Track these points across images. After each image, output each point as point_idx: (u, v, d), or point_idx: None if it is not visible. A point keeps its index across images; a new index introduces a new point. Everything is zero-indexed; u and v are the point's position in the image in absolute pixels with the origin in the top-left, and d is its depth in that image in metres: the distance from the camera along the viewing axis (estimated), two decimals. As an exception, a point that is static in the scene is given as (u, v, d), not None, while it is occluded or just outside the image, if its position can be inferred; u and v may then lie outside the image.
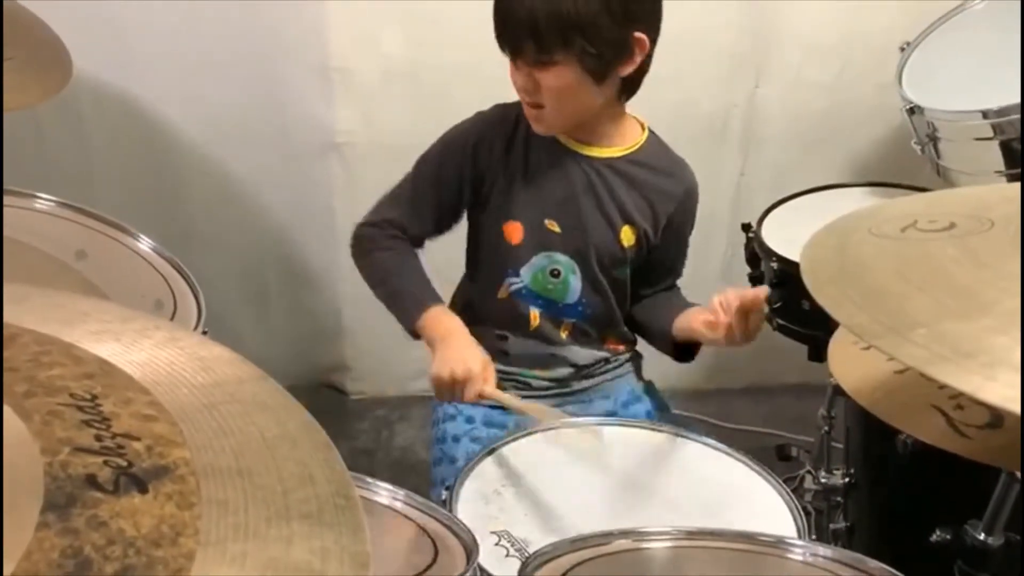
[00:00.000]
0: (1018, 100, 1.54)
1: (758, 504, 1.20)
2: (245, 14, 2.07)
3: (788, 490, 1.21)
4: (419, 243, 1.51)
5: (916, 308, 0.70)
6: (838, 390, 1.43)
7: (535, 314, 1.48)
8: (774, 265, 1.75)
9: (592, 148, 1.43)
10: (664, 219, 1.48)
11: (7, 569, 0.39)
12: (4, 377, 0.50)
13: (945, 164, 1.77)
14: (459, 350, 1.34)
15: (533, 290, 1.46)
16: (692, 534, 0.99)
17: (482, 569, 1.00)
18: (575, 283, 1.46)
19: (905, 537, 1.36)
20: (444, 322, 1.39)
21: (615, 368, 1.57)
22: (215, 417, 0.53)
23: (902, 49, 1.88)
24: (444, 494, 1.16)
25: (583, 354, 1.52)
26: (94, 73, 2.05)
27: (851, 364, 1.17)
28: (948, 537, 1.11)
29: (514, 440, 1.29)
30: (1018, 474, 1.00)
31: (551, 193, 1.43)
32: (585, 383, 1.55)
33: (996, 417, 0.98)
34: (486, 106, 1.48)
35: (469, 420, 1.49)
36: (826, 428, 1.66)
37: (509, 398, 1.38)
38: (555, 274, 1.45)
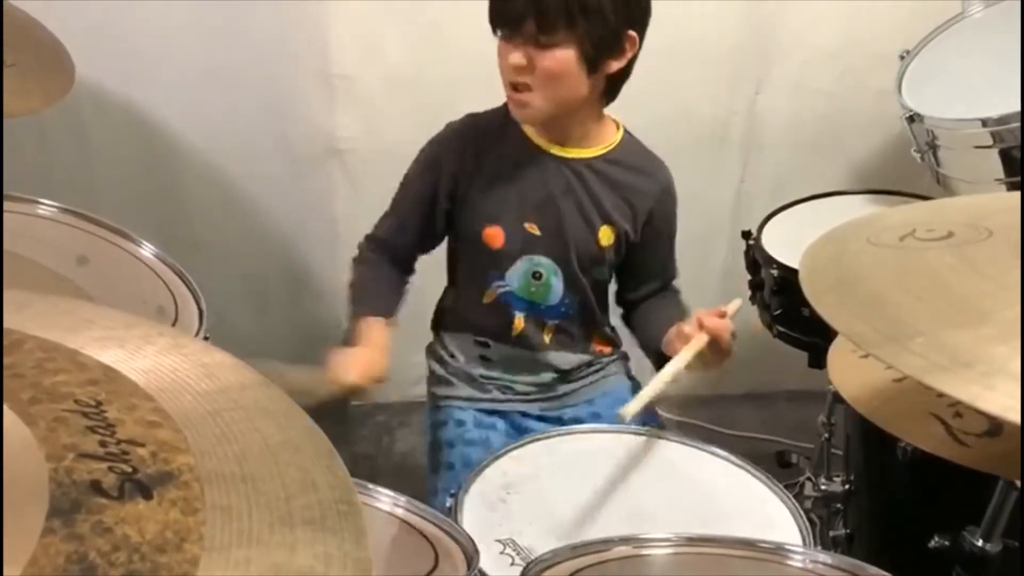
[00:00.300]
0: (1018, 108, 1.55)
1: (761, 511, 1.20)
2: (248, 21, 2.08)
3: (791, 497, 1.21)
4: (408, 257, 1.55)
5: (915, 317, 0.70)
6: (838, 397, 1.43)
7: (519, 319, 1.49)
8: (774, 272, 1.75)
9: (568, 149, 1.44)
10: (643, 216, 1.48)
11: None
12: (9, 383, 0.51)
13: (945, 172, 1.77)
14: (349, 355, 1.40)
15: (518, 293, 1.47)
16: (692, 540, 0.99)
17: None
18: (557, 284, 1.47)
19: (904, 543, 1.36)
20: (364, 329, 1.43)
21: (600, 370, 1.58)
22: (218, 423, 0.53)
23: (902, 57, 1.88)
24: (449, 501, 1.16)
25: (567, 358, 1.53)
26: (97, 79, 2.05)
27: (850, 372, 1.18)
28: (947, 543, 1.11)
29: (518, 448, 1.29)
30: (1016, 482, 1.01)
31: (529, 196, 1.44)
32: (571, 386, 1.56)
33: (995, 425, 0.99)
34: (487, 113, 1.49)
35: (460, 423, 1.51)
36: (826, 435, 1.66)
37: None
38: (537, 276, 1.46)
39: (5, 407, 0.49)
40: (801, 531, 1.14)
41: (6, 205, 1.40)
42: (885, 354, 0.67)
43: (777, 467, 2.00)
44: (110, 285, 1.37)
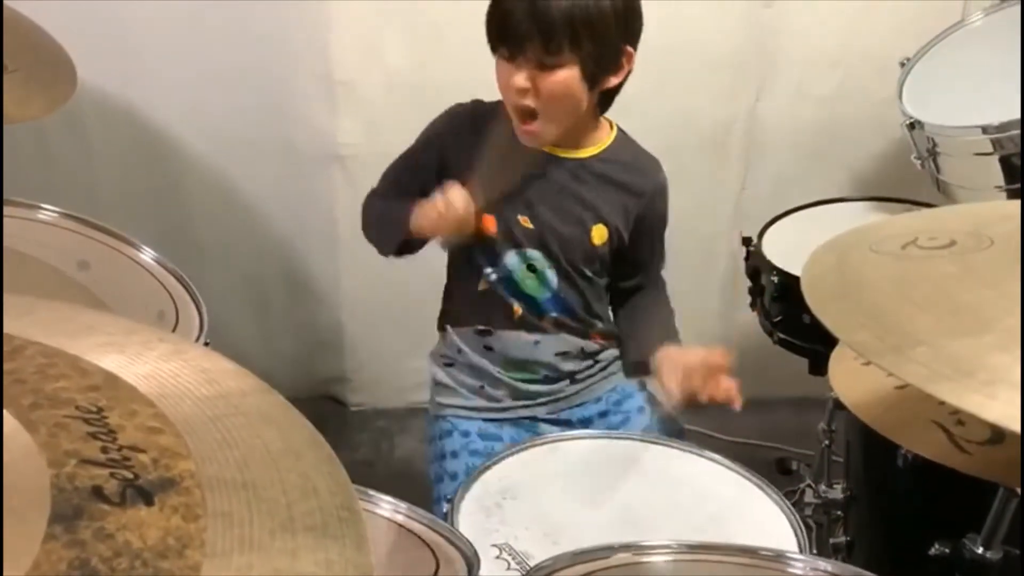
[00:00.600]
0: (1018, 116, 1.55)
1: (759, 518, 1.20)
2: (249, 26, 2.08)
3: (789, 504, 1.21)
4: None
5: (917, 326, 0.70)
6: (838, 404, 1.43)
7: (517, 307, 1.49)
8: (775, 279, 1.75)
9: (564, 150, 1.45)
10: (634, 214, 1.48)
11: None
12: (11, 389, 0.51)
13: (945, 179, 1.77)
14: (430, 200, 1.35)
15: (513, 284, 1.47)
16: (693, 548, 0.99)
17: (483, 582, 1.00)
18: (552, 277, 1.47)
19: (904, 551, 1.36)
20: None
21: (605, 368, 1.58)
22: (219, 429, 0.53)
23: (902, 64, 1.89)
24: (445, 507, 1.16)
25: (569, 342, 1.52)
26: (98, 85, 2.05)
27: (852, 379, 1.17)
28: (947, 551, 1.11)
29: (515, 453, 1.29)
30: (1017, 489, 1.00)
31: (524, 191, 1.44)
32: (577, 387, 1.56)
33: (997, 433, 0.99)
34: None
35: (465, 434, 1.50)
36: (826, 442, 1.67)
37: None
38: (532, 269, 1.47)
39: (6, 413, 0.49)
40: (798, 537, 1.14)
41: (6, 210, 1.40)
42: (887, 362, 0.67)
43: (777, 474, 2.01)
44: (111, 290, 1.37)
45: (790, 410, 2.43)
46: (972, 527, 1.05)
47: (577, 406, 1.56)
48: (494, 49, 1.33)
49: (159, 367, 0.57)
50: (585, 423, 1.53)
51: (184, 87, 2.13)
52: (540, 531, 1.14)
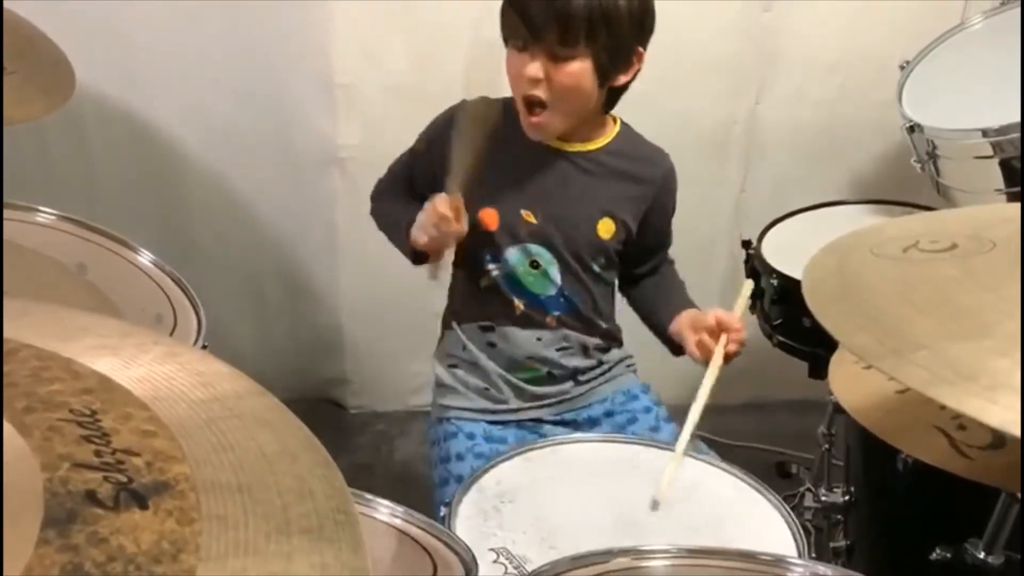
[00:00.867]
0: (1018, 119, 1.55)
1: (758, 522, 1.19)
2: (249, 29, 2.08)
3: (788, 508, 1.20)
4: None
5: (918, 329, 0.70)
6: (838, 407, 1.43)
7: (519, 303, 1.48)
8: (774, 282, 1.75)
9: (570, 144, 1.45)
10: (645, 205, 1.49)
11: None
12: (4, 392, 0.50)
13: (945, 182, 1.77)
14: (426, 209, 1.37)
15: (515, 280, 1.47)
16: (692, 552, 0.98)
17: (481, 586, 0.99)
18: (555, 274, 1.47)
19: (905, 556, 1.36)
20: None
21: (609, 370, 1.58)
22: (214, 432, 0.53)
23: (902, 67, 1.89)
24: (443, 510, 1.16)
25: (571, 361, 1.52)
26: (97, 86, 2.05)
27: (852, 383, 1.17)
28: (948, 556, 1.10)
29: (513, 457, 1.29)
30: (1019, 494, 1.00)
31: (528, 185, 1.44)
32: (582, 388, 1.55)
33: (998, 438, 0.98)
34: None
35: (470, 436, 1.49)
36: (826, 445, 1.66)
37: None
38: (535, 265, 1.46)
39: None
40: (797, 541, 1.14)
41: (5, 213, 1.40)
42: (888, 366, 0.67)
43: (777, 477, 2.00)
44: (109, 293, 1.37)
45: (790, 413, 2.44)
46: (973, 532, 1.04)
47: (583, 407, 1.55)
48: (507, 38, 1.34)
49: (153, 370, 0.57)
50: (591, 423, 1.53)
51: (183, 89, 2.13)
52: (538, 535, 1.14)
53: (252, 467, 0.51)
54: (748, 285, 1.53)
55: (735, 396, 2.54)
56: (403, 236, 1.44)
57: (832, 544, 1.56)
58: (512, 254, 1.45)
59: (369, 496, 0.99)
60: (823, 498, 1.56)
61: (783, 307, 1.76)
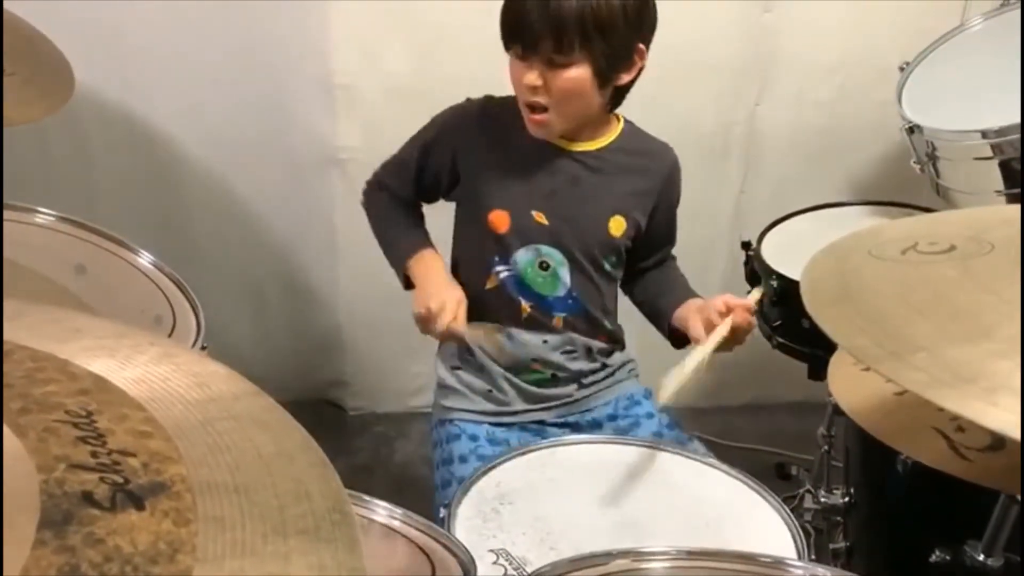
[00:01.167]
0: (1018, 120, 1.55)
1: (757, 524, 1.19)
2: (249, 30, 2.08)
3: (787, 510, 1.20)
4: (416, 204, 1.57)
5: (917, 331, 0.69)
6: (838, 409, 1.42)
7: (525, 305, 1.48)
8: (774, 283, 1.75)
9: (577, 144, 1.45)
10: (653, 199, 1.50)
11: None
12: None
13: (945, 183, 1.77)
14: (436, 286, 1.41)
15: (523, 281, 1.47)
16: (692, 554, 0.98)
17: (480, 587, 0.99)
18: (564, 276, 1.47)
19: (905, 557, 1.36)
20: (425, 263, 1.47)
21: (612, 374, 1.58)
22: (211, 433, 0.53)
23: (902, 69, 1.89)
24: (442, 512, 1.16)
25: (575, 364, 1.53)
26: (97, 88, 2.05)
27: (851, 384, 1.17)
28: (948, 558, 1.10)
29: (513, 458, 1.29)
30: (1018, 496, 1.00)
31: (538, 186, 1.44)
32: (585, 391, 1.55)
33: (997, 440, 0.98)
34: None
35: (473, 438, 1.49)
36: (826, 447, 1.66)
37: (476, 335, 1.46)
38: (544, 267, 1.46)
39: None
40: (796, 543, 1.14)
41: (4, 214, 1.40)
42: (887, 369, 0.66)
43: (777, 479, 2.00)
44: (108, 294, 1.37)
45: (789, 415, 2.44)
46: (973, 534, 1.04)
47: (587, 410, 1.55)
48: (507, 46, 1.34)
49: (149, 371, 0.57)
50: (594, 427, 1.53)
51: (183, 90, 2.13)
52: (537, 536, 1.14)
53: (249, 468, 0.50)
54: (759, 291, 1.57)
55: (735, 397, 2.54)
56: (398, 259, 1.48)
57: (832, 545, 1.55)
58: (522, 255, 1.45)
59: (368, 498, 0.99)
60: (822, 499, 1.56)
61: (782, 308, 1.76)
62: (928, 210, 1.85)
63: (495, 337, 1.47)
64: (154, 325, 1.34)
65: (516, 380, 1.51)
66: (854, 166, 2.38)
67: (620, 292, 1.61)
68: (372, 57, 2.13)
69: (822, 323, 0.74)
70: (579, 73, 1.31)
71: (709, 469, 1.30)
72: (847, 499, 1.52)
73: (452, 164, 1.47)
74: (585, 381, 1.55)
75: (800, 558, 1.10)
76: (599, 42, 1.29)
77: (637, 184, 1.48)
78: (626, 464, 1.30)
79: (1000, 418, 0.59)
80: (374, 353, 2.46)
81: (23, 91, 1.34)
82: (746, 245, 1.91)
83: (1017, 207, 0.89)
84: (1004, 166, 1.61)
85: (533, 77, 1.32)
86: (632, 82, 1.39)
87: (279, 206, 2.30)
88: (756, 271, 1.83)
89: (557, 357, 1.51)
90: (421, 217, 1.58)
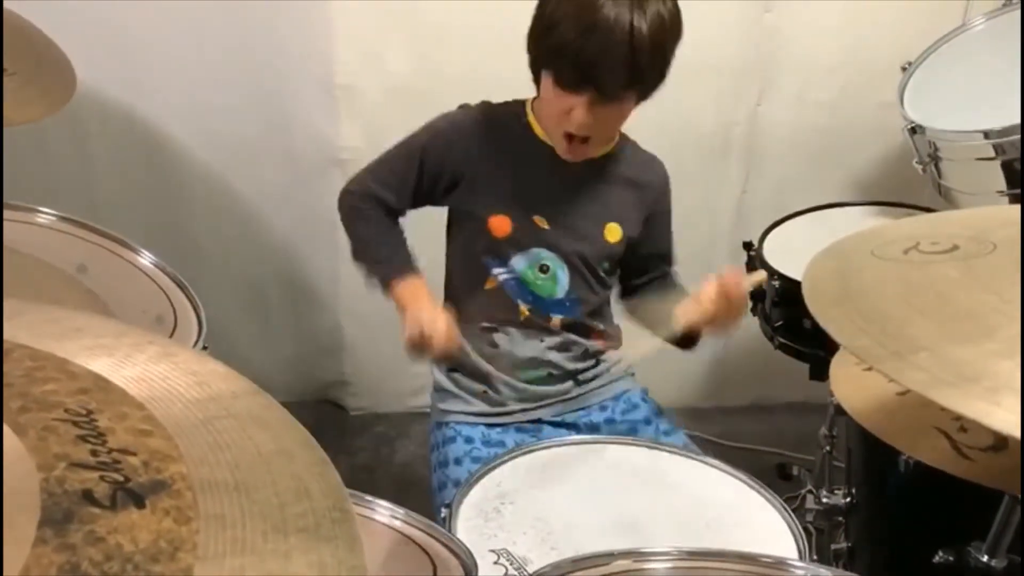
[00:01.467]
0: (1019, 120, 1.55)
1: (759, 524, 1.19)
2: (251, 31, 2.08)
3: (789, 510, 1.20)
4: (400, 212, 1.53)
5: (919, 331, 0.69)
6: (839, 409, 1.42)
7: (524, 308, 1.48)
8: (775, 283, 1.75)
9: None
10: (647, 210, 1.51)
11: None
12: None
13: (946, 184, 1.77)
14: (427, 311, 1.38)
15: (522, 283, 1.47)
16: (693, 554, 0.98)
17: (481, 587, 0.99)
18: (563, 278, 1.47)
19: (907, 558, 1.35)
20: (413, 287, 1.44)
21: (608, 372, 1.57)
22: (211, 432, 0.53)
23: (904, 69, 1.88)
24: (444, 512, 1.16)
25: (572, 364, 1.53)
26: (99, 89, 2.05)
27: (853, 385, 1.17)
28: (951, 559, 1.10)
29: (514, 458, 1.29)
30: (1021, 497, 1.00)
31: (539, 192, 1.45)
32: (581, 389, 1.55)
33: (1000, 439, 0.98)
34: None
35: (468, 440, 1.49)
36: (827, 447, 1.66)
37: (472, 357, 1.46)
38: (544, 269, 1.46)
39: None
40: (798, 543, 1.13)
41: (5, 213, 1.40)
42: (889, 368, 0.66)
43: (778, 479, 1.99)
44: (109, 294, 1.37)
45: (791, 415, 2.43)
46: (976, 535, 1.04)
47: (582, 409, 1.55)
48: (558, 81, 1.31)
49: (149, 369, 0.57)
50: (592, 430, 1.53)
51: (184, 90, 2.13)
52: (539, 537, 1.13)
53: (248, 466, 0.50)
54: (762, 273, 1.58)
55: (737, 398, 2.54)
56: (383, 277, 1.45)
57: (833, 546, 1.55)
58: (522, 259, 1.46)
59: (369, 497, 0.99)
60: (824, 500, 1.56)
61: (784, 309, 1.76)
62: (930, 210, 1.85)
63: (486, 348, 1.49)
64: (155, 325, 1.34)
65: (511, 380, 1.51)
66: (855, 166, 2.38)
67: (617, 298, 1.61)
68: (373, 57, 2.13)
69: (824, 323, 0.74)
70: (630, 105, 1.34)
71: (710, 469, 1.30)
72: (849, 499, 1.51)
73: (450, 172, 1.46)
74: (581, 378, 1.55)
75: (801, 559, 1.10)
76: (657, 69, 1.31)
77: (632, 194, 1.49)
78: (627, 464, 1.30)
79: (1003, 418, 0.59)
80: (375, 353, 2.46)
81: (24, 90, 1.34)
82: (747, 245, 1.91)
83: (1018, 207, 0.89)
84: (1006, 166, 1.61)
85: (585, 115, 1.30)
86: None
87: (280, 206, 2.30)
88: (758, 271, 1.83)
89: (554, 356, 1.51)
90: (403, 234, 1.53)
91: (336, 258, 2.33)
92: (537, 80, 1.37)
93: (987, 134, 1.61)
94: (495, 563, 1.08)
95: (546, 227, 1.44)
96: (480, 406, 1.53)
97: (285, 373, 2.44)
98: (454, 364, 1.55)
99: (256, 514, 0.47)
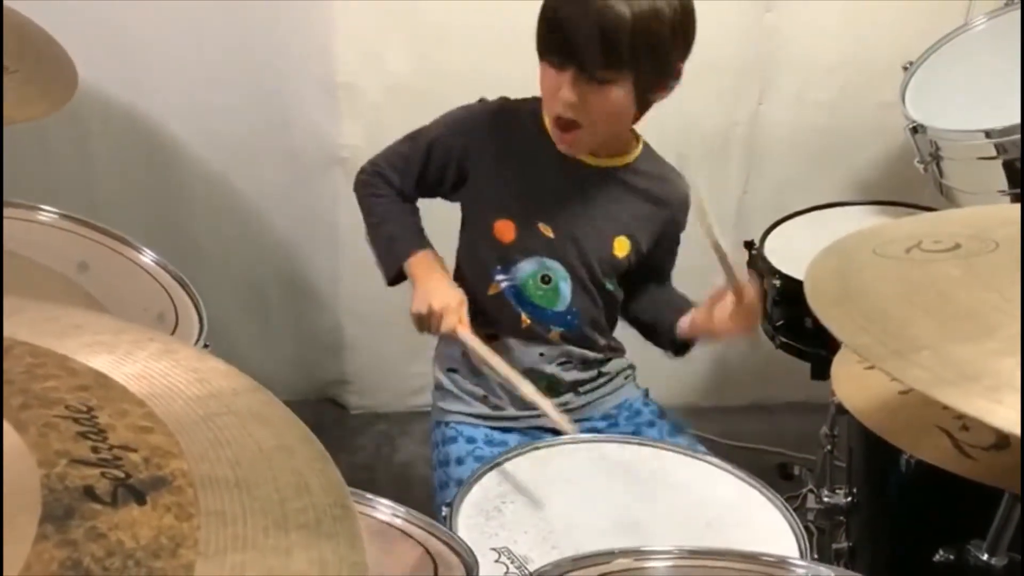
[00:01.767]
0: (1020, 120, 1.55)
1: (760, 523, 1.19)
2: (251, 31, 2.08)
3: (790, 510, 1.20)
4: (413, 199, 1.52)
5: (921, 330, 0.69)
6: (841, 408, 1.42)
7: (525, 317, 1.46)
8: (777, 283, 1.75)
9: (597, 159, 1.42)
10: (659, 224, 1.48)
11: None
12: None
13: (948, 183, 1.77)
14: (438, 285, 1.38)
15: (523, 293, 1.45)
16: (694, 553, 0.98)
17: (482, 586, 0.99)
18: (566, 290, 1.45)
19: (908, 557, 1.35)
20: (427, 262, 1.43)
21: (610, 381, 1.56)
22: (211, 428, 0.53)
23: (905, 68, 1.88)
24: (444, 510, 1.16)
25: (570, 375, 1.51)
26: (99, 86, 2.05)
27: (855, 384, 1.17)
28: (951, 557, 1.10)
29: (515, 456, 1.29)
30: (1022, 495, 1.00)
31: (546, 197, 1.42)
32: (584, 399, 1.54)
33: (1002, 438, 0.98)
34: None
35: (470, 440, 1.48)
36: (828, 447, 1.66)
37: (479, 343, 1.39)
38: (546, 280, 1.44)
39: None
40: (799, 542, 1.13)
41: (6, 211, 1.40)
42: (891, 367, 0.66)
43: (779, 479, 2.00)
44: (111, 292, 1.37)
45: (792, 414, 2.43)
46: (977, 533, 1.04)
47: (586, 418, 1.53)
48: (542, 54, 1.28)
49: (149, 366, 0.57)
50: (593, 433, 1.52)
51: (185, 88, 2.13)
52: (540, 535, 1.13)
53: (249, 462, 0.50)
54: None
55: (738, 397, 2.54)
56: (395, 255, 1.44)
57: (834, 545, 1.55)
58: (524, 267, 1.43)
59: (370, 496, 0.99)
60: (825, 499, 1.56)
61: (785, 308, 1.75)
62: (931, 210, 1.84)
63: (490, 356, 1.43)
64: (157, 323, 1.34)
65: (509, 388, 1.50)
66: (856, 166, 2.38)
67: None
68: (374, 56, 2.13)
69: (826, 322, 0.74)
70: (620, 93, 1.26)
71: (711, 468, 1.30)
72: (850, 499, 1.51)
73: (459, 166, 1.43)
74: (581, 389, 1.54)
75: (803, 558, 1.10)
76: (647, 60, 1.24)
77: (648, 209, 1.46)
78: (629, 463, 1.30)
79: (1004, 416, 0.59)
80: (376, 352, 2.46)
81: (25, 89, 1.33)
82: (749, 245, 1.91)
83: (1020, 206, 0.89)
84: (1008, 165, 1.61)
85: (571, 93, 1.25)
86: (661, 99, 1.35)
87: (281, 205, 2.30)
88: (759, 271, 1.83)
89: (553, 369, 1.50)
90: (418, 214, 1.52)
91: (337, 256, 2.33)
92: None
93: (988, 133, 1.61)
94: (496, 561, 1.08)
95: (550, 235, 1.41)
96: (481, 408, 1.52)
97: (286, 372, 2.44)
98: (453, 364, 1.54)
99: (257, 510, 0.47)
